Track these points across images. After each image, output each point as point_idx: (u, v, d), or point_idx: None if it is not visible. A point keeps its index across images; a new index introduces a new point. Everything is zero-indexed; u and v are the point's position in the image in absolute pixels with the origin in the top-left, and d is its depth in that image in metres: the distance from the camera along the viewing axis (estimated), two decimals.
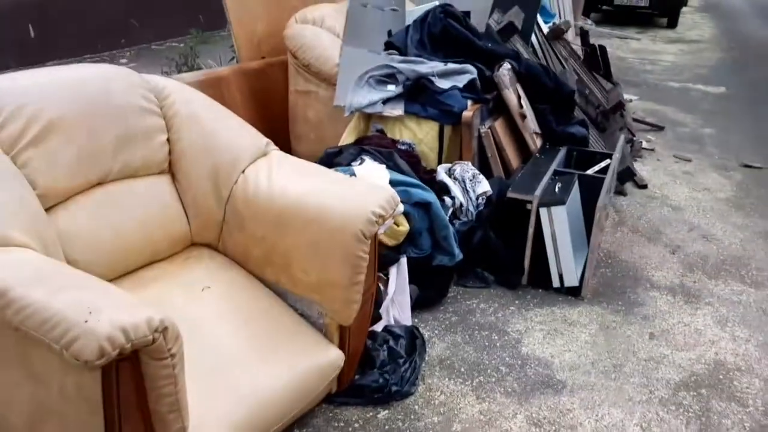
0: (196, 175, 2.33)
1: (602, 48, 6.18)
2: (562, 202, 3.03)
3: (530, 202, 3.09)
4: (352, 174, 2.93)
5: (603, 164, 3.64)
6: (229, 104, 3.59)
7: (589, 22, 11.91)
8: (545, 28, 5.65)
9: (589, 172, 3.53)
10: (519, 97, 3.77)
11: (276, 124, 4.08)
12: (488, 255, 3.22)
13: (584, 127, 4.01)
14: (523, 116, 3.74)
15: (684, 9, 16.16)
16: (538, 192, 3.10)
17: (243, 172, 2.33)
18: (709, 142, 5.73)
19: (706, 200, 4.41)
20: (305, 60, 3.82)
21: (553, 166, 3.47)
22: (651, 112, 6.63)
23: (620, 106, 5.24)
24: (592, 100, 5.37)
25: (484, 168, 3.61)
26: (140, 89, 2.32)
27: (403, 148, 3.45)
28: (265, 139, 2.48)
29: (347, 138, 3.60)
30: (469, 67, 3.74)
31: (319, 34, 3.88)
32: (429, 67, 3.64)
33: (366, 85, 3.54)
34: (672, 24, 13.00)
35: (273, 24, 4.14)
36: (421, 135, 3.54)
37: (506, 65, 3.81)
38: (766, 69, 9.17)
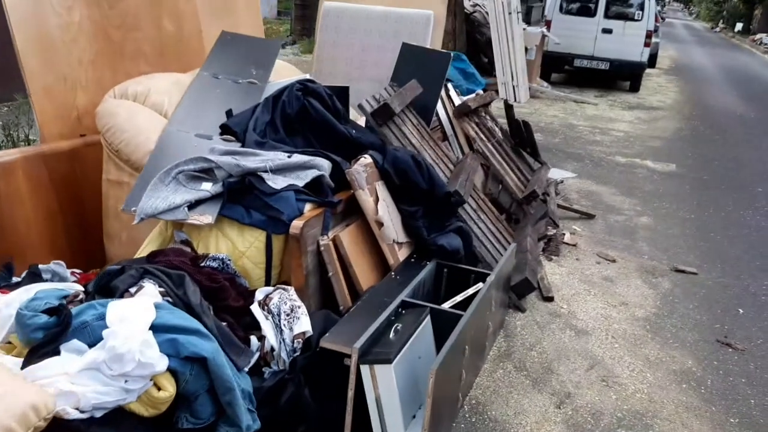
0: None
1: (526, 124, 5.53)
2: (388, 360, 2.28)
3: (349, 356, 2.33)
4: (102, 317, 2.17)
5: (473, 290, 2.91)
6: (2, 199, 2.85)
7: (545, 84, 11.44)
8: (458, 100, 4.99)
9: (447, 305, 2.79)
10: (377, 200, 3.05)
11: (89, 218, 3.33)
12: (299, 418, 2.44)
13: (462, 234, 3.28)
14: (380, 224, 3.02)
15: (652, 71, 15.88)
16: (360, 342, 2.34)
17: None
18: (643, 236, 5.05)
19: (620, 320, 3.69)
20: (114, 144, 3.08)
21: (404, 294, 2.72)
22: (586, 194, 5.96)
23: (533, 196, 4.55)
24: (508, 187, 4.69)
25: (326, 292, 2.87)
26: None
27: (213, 265, 2.70)
28: None
29: (146, 248, 2.85)
30: (318, 160, 3.03)
31: (137, 113, 3.15)
32: (261, 160, 2.91)
33: (173, 182, 2.80)
34: (634, 88, 12.56)
35: (103, 94, 3.42)
36: (242, 247, 2.79)
37: (364, 159, 3.11)
38: (722, 143, 8.61)
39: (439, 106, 4.91)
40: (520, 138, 5.63)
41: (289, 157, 3.04)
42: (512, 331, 3.46)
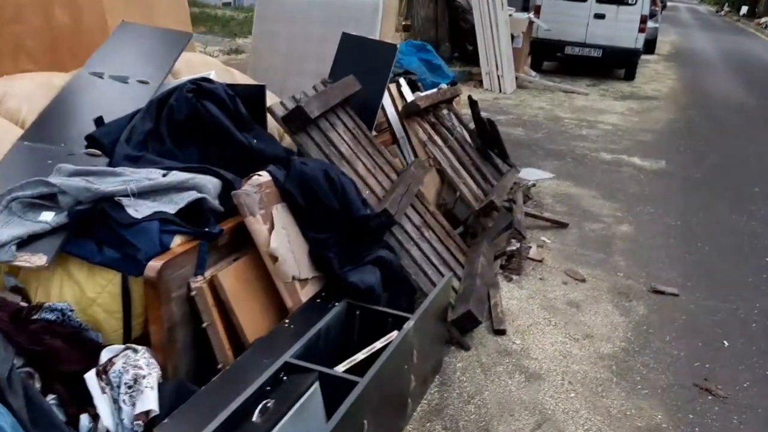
0: None
1: (491, 122, 4.96)
2: None
3: None
4: None
5: (382, 342, 2.35)
6: None
7: (534, 74, 10.84)
8: (411, 97, 4.41)
9: (342, 368, 2.23)
10: (272, 228, 2.49)
11: None
12: None
13: (384, 266, 2.72)
14: (274, 258, 2.46)
15: (650, 57, 15.23)
16: (211, 428, 1.79)
17: None
18: (620, 248, 4.48)
19: (581, 359, 3.13)
20: None
21: (291, 352, 2.17)
22: (563, 198, 5.39)
23: (491, 207, 3.98)
24: (464, 197, 4.12)
25: (202, 346, 2.32)
26: None
27: (49, 318, 2.15)
28: None
29: None
30: (201, 179, 2.48)
31: None
32: (123, 181, 2.36)
33: (5, 211, 2.26)
34: (629, 76, 11.93)
35: None
36: (92, 293, 2.25)
37: (258, 177, 2.55)
38: (718, 136, 8.01)
39: (388, 105, 4.35)
40: (487, 138, 5.05)
41: (164, 175, 2.49)
42: (450, 377, 2.90)
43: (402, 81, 4.52)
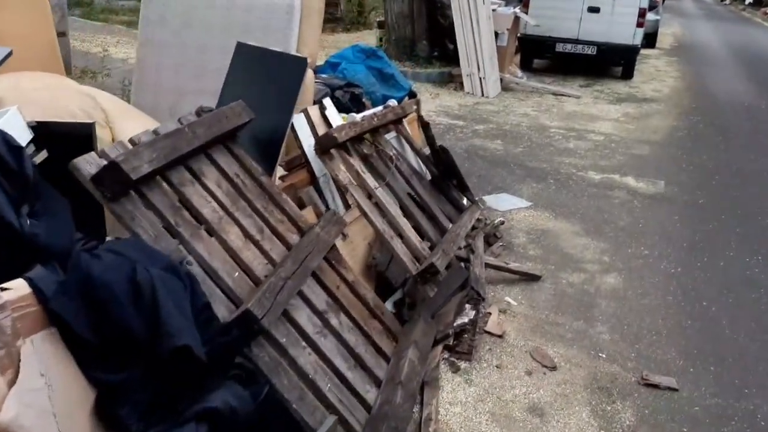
0: None
1: (444, 150, 4.00)
2: None
3: None
4: None
5: None
6: None
7: (520, 74, 9.87)
8: (340, 121, 3.46)
9: None
10: (13, 380, 1.55)
11: None
12: None
13: (217, 419, 1.77)
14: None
15: (651, 52, 14.25)
16: None
17: None
18: (605, 312, 3.54)
19: None
20: None
21: None
22: (539, 236, 4.44)
23: (432, 272, 3.03)
24: (397, 257, 3.16)
25: None
26: None
27: None
28: None
29: None
30: None
31: None
32: None
33: None
34: (627, 74, 10.93)
35: None
36: None
37: (4, 292, 1.61)
38: (725, 147, 7.03)
39: (306, 135, 3.40)
40: (443, 167, 4.10)
41: None
42: None
43: (327, 102, 3.56)
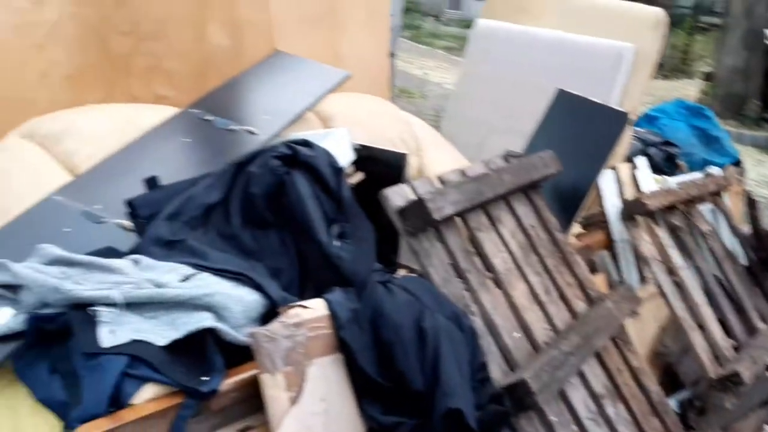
0: None
1: None
2: None
3: None
4: None
5: None
6: None
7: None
8: (653, 186, 3.15)
9: None
10: (296, 397, 1.58)
11: None
12: None
13: None
14: None
15: None
16: None
17: None
18: None
19: None
20: None
21: None
22: None
23: (734, 381, 2.56)
24: (692, 352, 2.76)
25: None
26: None
27: None
28: None
29: None
30: (223, 298, 1.69)
31: (18, 163, 2.10)
32: (113, 283, 1.67)
33: None
34: None
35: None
36: None
37: (303, 310, 1.67)
38: None
39: (610, 193, 3.14)
40: (765, 253, 3.51)
41: (185, 278, 1.75)
42: None
43: (640, 161, 3.25)
